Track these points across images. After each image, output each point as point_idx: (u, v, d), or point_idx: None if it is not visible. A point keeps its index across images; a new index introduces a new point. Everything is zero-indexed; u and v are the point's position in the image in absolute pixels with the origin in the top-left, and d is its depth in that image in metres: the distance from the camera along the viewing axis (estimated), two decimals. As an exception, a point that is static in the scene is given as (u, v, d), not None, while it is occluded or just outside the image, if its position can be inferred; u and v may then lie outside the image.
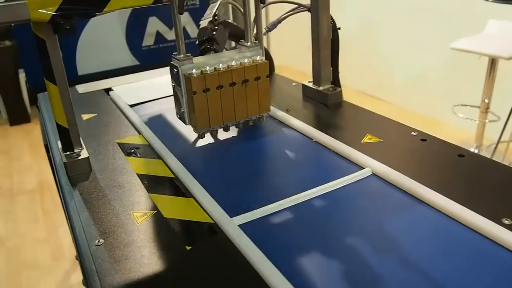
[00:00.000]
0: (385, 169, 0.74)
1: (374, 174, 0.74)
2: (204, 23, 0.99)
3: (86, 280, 0.57)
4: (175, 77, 0.84)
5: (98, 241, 0.62)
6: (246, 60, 0.84)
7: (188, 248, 0.60)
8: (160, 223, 0.66)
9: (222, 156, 0.85)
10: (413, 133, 0.87)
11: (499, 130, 2.15)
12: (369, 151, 0.79)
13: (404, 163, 0.77)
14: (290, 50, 3.28)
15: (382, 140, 0.85)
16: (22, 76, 3.14)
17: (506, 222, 0.61)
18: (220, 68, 0.82)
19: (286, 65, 3.19)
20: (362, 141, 0.85)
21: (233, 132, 0.93)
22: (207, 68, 0.81)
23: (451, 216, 0.63)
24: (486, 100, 2.29)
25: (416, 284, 0.52)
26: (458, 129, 2.66)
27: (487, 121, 2.34)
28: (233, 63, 0.83)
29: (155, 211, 0.68)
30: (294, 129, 0.93)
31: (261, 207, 0.67)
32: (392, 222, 0.63)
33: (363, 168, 0.76)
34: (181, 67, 0.81)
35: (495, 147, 2.18)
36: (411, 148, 0.83)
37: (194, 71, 0.80)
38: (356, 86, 3.22)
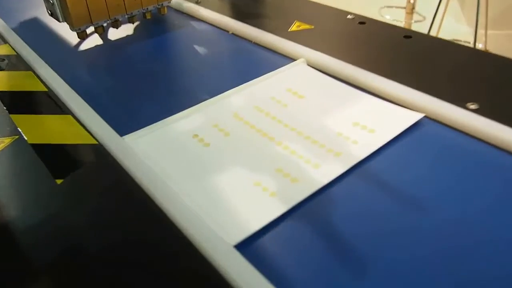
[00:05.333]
0: (322, 57, 0.58)
1: (309, 65, 0.59)
2: None
3: None
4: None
5: None
6: None
7: (59, 182, 0.42)
8: (23, 152, 0.47)
9: (112, 60, 0.65)
10: (349, 16, 0.72)
11: (425, 30, 2.09)
12: (299, 40, 0.63)
13: (343, 49, 0.62)
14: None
15: (313, 27, 0.69)
16: None
17: (472, 107, 0.49)
18: None
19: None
20: (289, 30, 0.69)
21: (126, 29, 0.72)
22: None
23: (408, 105, 0.49)
24: (412, 1, 2.21)
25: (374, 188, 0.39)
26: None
27: (413, 21, 2.28)
28: None
29: (17, 137, 0.49)
30: (206, 22, 0.74)
31: (164, 118, 0.50)
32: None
33: (294, 60, 0.60)
34: None
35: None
36: (348, 32, 0.68)
37: None
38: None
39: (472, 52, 0.62)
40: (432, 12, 2.15)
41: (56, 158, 0.46)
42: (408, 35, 0.65)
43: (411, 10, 2.27)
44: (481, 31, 2.02)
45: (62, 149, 0.47)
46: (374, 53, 0.61)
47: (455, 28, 2.32)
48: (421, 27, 2.21)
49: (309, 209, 0.38)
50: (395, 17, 2.34)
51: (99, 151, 0.46)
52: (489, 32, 2.07)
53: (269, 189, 0.40)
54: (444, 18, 2.18)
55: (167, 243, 0.36)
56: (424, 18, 2.26)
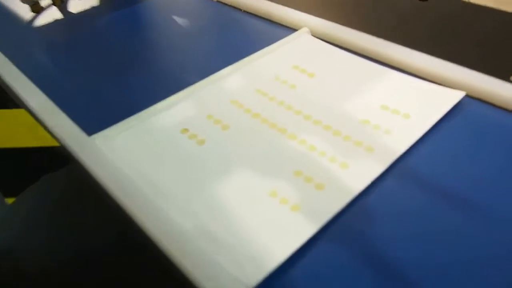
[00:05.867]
0: (329, 26, 0.48)
1: (314, 36, 0.49)
2: None
3: None
4: None
5: None
6: None
7: (9, 201, 0.32)
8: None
9: (74, 38, 0.54)
10: (352, -23, 0.62)
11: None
12: (297, 6, 0.53)
13: (351, 15, 0.53)
14: None
15: (312, -10, 0.59)
16: None
17: (519, 79, 0.40)
18: None
19: None
20: (285, -6, 0.58)
21: None
22: None
23: (443, 81, 0.40)
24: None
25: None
26: None
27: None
28: None
29: (-46, 140, 0.38)
30: (185, -11, 0.63)
31: (143, 109, 0.40)
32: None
33: (296, 30, 0.50)
34: None
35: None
36: (355, -4, 0.58)
37: None
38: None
39: (496, 14, 0.53)
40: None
41: (5, 167, 0.36)
42: (424, -4, 0.56)
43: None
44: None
45: (13, 154, 0.37)
46: (387, 19, 0.52)
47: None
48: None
49: (343, 225, 0.29)
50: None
51: (62, 155, 0.36)
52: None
53: (289, 200, 0.30)
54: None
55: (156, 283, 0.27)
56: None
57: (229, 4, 0.57)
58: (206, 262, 0.26)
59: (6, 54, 0.48)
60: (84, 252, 0.28)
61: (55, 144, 0.37)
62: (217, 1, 0.58)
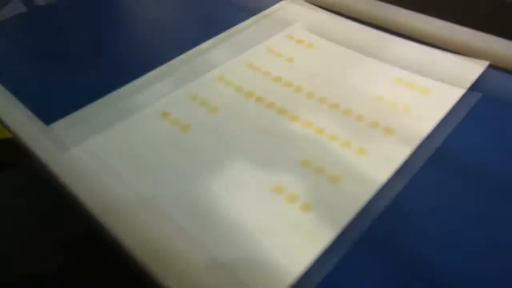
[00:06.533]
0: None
1: (310, 3, 0.43)
2: None
3: None
4: None
5: None
6: None
7: None
8: None
9: (42, 25, 0.46)
10: None
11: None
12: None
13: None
14: None
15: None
16: None
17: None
18: None
19: None
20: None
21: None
22: None
23: (461, 49, 0.35)
24: None
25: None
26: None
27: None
28: None
29: None
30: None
31: (113, 91, 0.33)
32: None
33: (286, -4, 0.44)
34: None
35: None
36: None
37: None
38: None
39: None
40: None
41: None
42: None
43: None
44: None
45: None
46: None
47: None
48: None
49: (367, 228, 0.24)
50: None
51: (15, 148, 0.29)
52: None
53: (297, 198, 0.25)
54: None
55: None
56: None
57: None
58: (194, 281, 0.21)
59: None
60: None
61: (7, 135, 0.30)
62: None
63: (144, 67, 0.35)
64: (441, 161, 0.27)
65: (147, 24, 0.42)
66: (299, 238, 0.23)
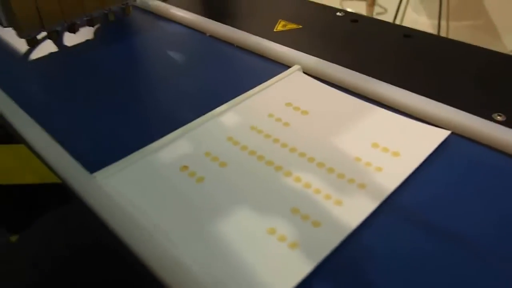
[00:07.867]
0: (321, 64, 0.51)
1: (305, 73, 0.51)
2: None
3: None
4: None
5: None
6: None
7: (13, 239, 0.33)
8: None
9: (71, 72, 0.55)
10: (338, 13, 0.65)
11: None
12: (288, 42, 0.55)
13: (340, 52, 0.55)
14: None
15: (301, 26, 0.62)
16: None
17: (499, 118, 0.43)
18: None
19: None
20: (274, 30, 0.61)
21: (86, 33, 0.62)
22: None
23: (429, 119, 0.43)
24: (373, -7, 2.19)
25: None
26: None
27: (375, 14, 2.26)
28: None
29: (-46, 177, 0.39)
30: (178, 23, 0.65)
31: (142, 147, 0.41)
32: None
33: (286, 66, 0.52)
34: None
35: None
36: (342, 32, 0.61)
37: None
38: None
39: (475, 51, 0.56)
40: (392, 4, 2.15)
41: (8, 203, 0.36)
42: (407, 34, 0.59)
43: (372, 2, 2.25)
44: (442, 22, 2.03)
45: (14, 190, 0.37)
46: (375, 56, 0.54)
47: (414, 19, 2.31)
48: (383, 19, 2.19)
49: (339, 261, 0.30)
50: (357, 9, 2.32)
51: (64, 192, 0.37)
52: (450, 23, 2.07)
53: (287, 237, 0.32)
54: (406, 10, 2.17)
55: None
56: (386, 10, 2.25)
57: (222, 39, 0.59)
58: (211, 301, 0.27)
59: (4, 89, 0.49)
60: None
61: (56, 180, 0.38)
62: (210, 36, 0.60)
63: (165, 127, 0.42)
64: (402, 211, 0.34)
65: (169, 87, 0.51)
66: (286, 267, 0.30)
